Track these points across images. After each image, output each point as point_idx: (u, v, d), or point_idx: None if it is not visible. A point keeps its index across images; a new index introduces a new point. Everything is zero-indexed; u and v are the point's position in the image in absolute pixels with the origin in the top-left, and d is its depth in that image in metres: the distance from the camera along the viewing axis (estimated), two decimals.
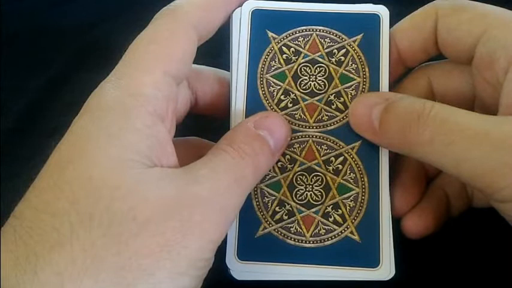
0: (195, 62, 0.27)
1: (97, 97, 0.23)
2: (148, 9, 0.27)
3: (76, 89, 0.39)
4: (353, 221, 0.27)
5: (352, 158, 0.28)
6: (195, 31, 0.26)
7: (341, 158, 0.28)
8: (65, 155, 0.22)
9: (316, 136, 0.28)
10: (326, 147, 0.28)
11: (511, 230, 0.24)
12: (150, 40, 0.25)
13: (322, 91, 0.29)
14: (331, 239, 0.27)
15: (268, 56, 0.29)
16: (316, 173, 0.28)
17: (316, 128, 0.28)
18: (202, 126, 0.31)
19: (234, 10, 0.29)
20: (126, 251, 0.20)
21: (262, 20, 0.29)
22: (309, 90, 0.29)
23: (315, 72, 0.29)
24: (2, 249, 0.20)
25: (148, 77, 0.24)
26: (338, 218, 0.27)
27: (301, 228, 0.27)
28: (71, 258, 0.20)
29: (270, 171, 0.28)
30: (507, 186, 0.22)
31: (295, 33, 0.29)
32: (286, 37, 0.29)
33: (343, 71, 0.29)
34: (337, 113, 0.28)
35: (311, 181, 0.28)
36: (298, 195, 0.28)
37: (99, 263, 0.20)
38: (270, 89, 0.29)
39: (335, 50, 0.29)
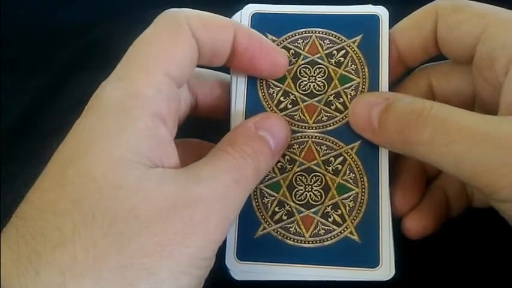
0: None
1: (98, 98, 0.23)
2: (148, 9, 0.27)
3: (76, 89, 0.39)
4: (352, 221, 0.27)
5: (351, 158, 0.28)
6: (195, 36, 0.25)
7: (340, 158, 0.28)
8: (68, 155, 0.22)
9: (315, 136, 0.28)
10: (325, 148, 0.28)
11: (511, 230, 0.25)
12: (151, 41, 0.25)
13: (322, 92, 0.29)
14: (331, 239, 0.27)
15: None
16: (315, 173, 0.28)
17: (316, 128, 0.28)
18: (202, 128, 0.31)
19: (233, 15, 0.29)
20: (128, 250, 0.20)
21: (262, 23, 0.29)
22: (308, 91, 0.29)
23: (314, 73, 0.29)
24: (4, 249, 0.20)
25: (149, 78, 0.23)
26: (337, 218, 0.27)
27: (300, 228, 0.27)
28: (73, 258, 0.20)
29: (269, 171, 0.28)
30: (507, 186, 0.22)
31: (295, 35, 0.29)
32: (286, 39, 0.29)
33: (343, 72, 0.29)
34: (337, 114, 0.28)
35: (310, 181, 0.28)
36: (297, 196, 0.28)
37: (101, 263, 0.20)
38: (269, 91, 0.29)
39: (334, 51, 0.29)
